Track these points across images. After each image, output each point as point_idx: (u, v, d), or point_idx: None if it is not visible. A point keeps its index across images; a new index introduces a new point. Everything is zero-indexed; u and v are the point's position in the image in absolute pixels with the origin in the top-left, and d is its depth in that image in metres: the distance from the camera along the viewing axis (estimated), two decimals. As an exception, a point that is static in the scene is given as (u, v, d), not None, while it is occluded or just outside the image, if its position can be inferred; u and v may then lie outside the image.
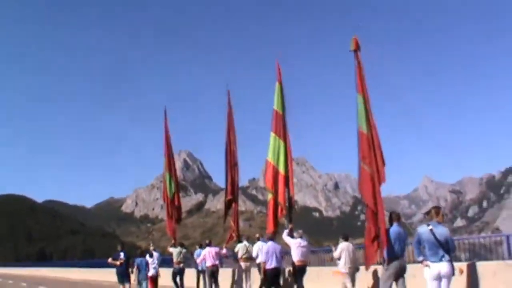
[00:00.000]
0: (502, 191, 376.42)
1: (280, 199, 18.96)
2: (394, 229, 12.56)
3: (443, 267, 10.26)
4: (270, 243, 17.26)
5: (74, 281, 46.15)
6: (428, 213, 11.08)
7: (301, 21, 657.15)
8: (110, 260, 23.23)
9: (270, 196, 19.58)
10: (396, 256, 12.32)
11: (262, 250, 17.40)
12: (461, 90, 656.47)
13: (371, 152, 13.41)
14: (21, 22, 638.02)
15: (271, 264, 16.65)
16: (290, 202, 19.42)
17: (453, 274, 10.44)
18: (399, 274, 12.42)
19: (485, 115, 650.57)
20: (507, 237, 15.60)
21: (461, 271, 13.27)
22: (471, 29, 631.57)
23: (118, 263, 22.11)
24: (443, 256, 10.29)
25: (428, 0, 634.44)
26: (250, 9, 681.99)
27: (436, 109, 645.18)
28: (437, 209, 10.96)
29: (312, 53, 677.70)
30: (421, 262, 10.70)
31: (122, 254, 22.55)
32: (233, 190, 23.91)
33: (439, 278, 10.31)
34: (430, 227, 10.51)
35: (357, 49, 14.26)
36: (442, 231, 10.46)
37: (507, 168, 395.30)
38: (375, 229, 12.92)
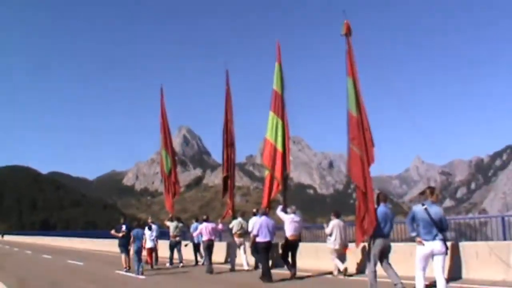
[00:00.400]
0: (490, 174, 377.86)
1: (277, 174, 19.40)
2: (381, 209, 12.76)
3: (436, 245, 10.35)
4: (263, 217, 17.65)
5: (76, 250, 46.65)
6: (423, 193, 11.10)
7: (300, 2, 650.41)
8: (113, 231, 23.94)
9: (267, 173, 20.04)
10: (382, 235, 12.54)
11: (256, 224, 17.68)
12: (454, 75, 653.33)
13: (360, 134, 13.65)
14: None
15: (263, 238, 17.06)
16: (286, 179, 19.93)
17: (446, 253, 10.52)
18: (384, 253, 12.67)
19: (477, 100, 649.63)
20: (503, 218, 16.19)
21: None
22: (462, 15, 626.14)
23: (120, 235, 22.84)
24: (436, 235, 10.38)
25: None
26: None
27: (430, 93, 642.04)
28: (431, 189, 11.01)
29: (311, 33, 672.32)
30: (415, 238, 10.80)
31: (124, 227, 23.17)
32: (229, 168, 24.48)
33: (430, 256, 10.45)
34: (425, 206, 10.59)
35: (348, 33, 14.53)
36: (436, 211, 10.56)
37: (495, 152, 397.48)
38: (365, 208, 13.33)
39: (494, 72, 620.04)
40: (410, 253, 13.15)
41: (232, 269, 21.30)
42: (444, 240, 10.59)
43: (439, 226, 10.47)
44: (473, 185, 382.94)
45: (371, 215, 12.99)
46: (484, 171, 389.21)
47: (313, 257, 19.25)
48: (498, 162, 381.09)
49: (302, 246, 18.59)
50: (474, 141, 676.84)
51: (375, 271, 12.38)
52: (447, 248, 10.57)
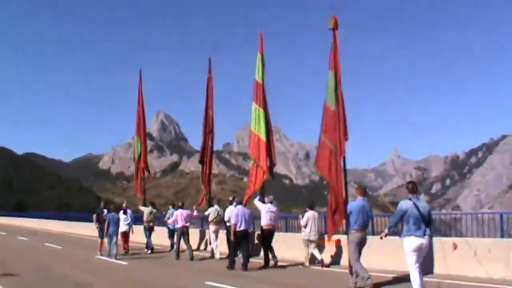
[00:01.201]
0: (465, 171, 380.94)
1: (262, 164, 19.34)
2: (359, 202, 12.84)
3: (425, 240, 10.32)
4: (239, 206, 17.76)
5: (52, 232, 46.23)
6: (406, 187, 10.96)
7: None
8: (94, 216, 23.93)
9: (251, 163, 20.02)
10: (359, 229, 12.64)
11: (233, 213, 17.82)
12: (434, 71, 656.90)
13: (335, 127, 13.78)
14: None
15: (240, 227, 17.11)
16: (271, 169, 19.99)
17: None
18: (360, 246, 12.78)
19: (454, 97, 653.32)
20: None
21: (455, 246, 14.05)
22: (448, 13, 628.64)
23: (106, 224, 22.50)
24: (425, 230, 10.33)
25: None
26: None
27: (409, 89, 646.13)
28: (414, 184, 10.96)
29: (292, 24, 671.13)
30: (387, 234, 10.93)
31: (106, 211, 23.13)
32: (205, 155, 24.55)
33: (419, 250, 10.34)
34: (413, 201, 10.51)
35: (335, 27, 14.58)
36: (424, 205, 10.55)
37: (471, 149, 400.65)
38: (335, 200, 13.41)
39: (472, 70, 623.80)
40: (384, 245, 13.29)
41: (212, 256, 21.42)
42: (431, 236, 10.70)
43: (427, 221, 10.43)
44: (448, 181, 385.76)
45: (341, 207, 13.09)
46: (460, 168, 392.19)
47: (287, 247, 19.27)
48: (473, 160, 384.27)
49: (277, 235, 18.62)
50: (451, 138, 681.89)
51: (360, 263, 12.51)
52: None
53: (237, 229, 17.18)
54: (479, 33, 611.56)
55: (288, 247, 19.21)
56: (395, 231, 11.30)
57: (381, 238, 11.35)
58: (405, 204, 10.58)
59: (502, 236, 14.58)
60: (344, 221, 13.03)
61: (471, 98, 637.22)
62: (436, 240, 14.19)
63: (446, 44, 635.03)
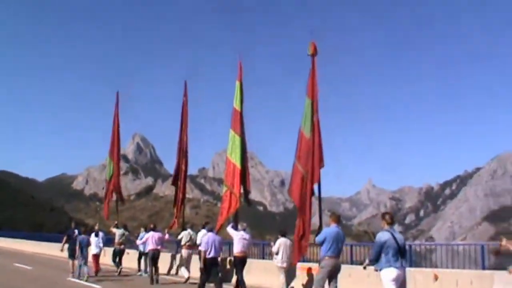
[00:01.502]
0: (439, 202, 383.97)
1: (236, 191, 19.32)
2: (333, 229, 12.82)
3: (403, 272, 10.32)
4: (210, 233, 17.63)
5: (22, 252, 45.36)
6: (382, 218, 10.96)
7: (264, 23, 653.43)
8: (65, 238, 23.60)
9: (225, 189, 19.95)
10: (332, 256, 12.61)
11: (204, 240, 17.62)
12: (409, 103, 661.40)
13: (309, 154, 13.80)
14: None
15: (210, 254, 16.94)
16: (246, 196, 19.92)
17: None
18: (333, 274, 12.75)
19: (429, 130, 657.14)
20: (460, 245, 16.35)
21: (436, 277, 13.98)
22: (425, 42, 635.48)
23: (77, 246, 22.07)
24: (402, 262, 10.34)
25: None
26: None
27: (387, 119, 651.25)
28: (391, 215, 10.98)
29: (271, 52, 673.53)
30: (377, 267, 10.59)
31: (76, 232, 22.83)
32: (178, 178, 24.46)
33: (398, 281, 10.22)
34: (391, 232, 10.51)
35: (314, 53, 14.60)
36: (400, 237, 10.55)
37: (445, 181, 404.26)
38: (303, 226, 13.35)
39: (446, 103, 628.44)
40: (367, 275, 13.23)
41: (187, 280, 21.12)
42: (405, 267, 10.62)
43: (403, 253, 10.43)
44: (422, 212, 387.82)
45: (307, 234, 13.03)
46: (433, 199, 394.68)
47: (260, 274, 19.22)
48: (447, 191, 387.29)
49: (249, 262, 18.51)
50: (426, 169, 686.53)
51: None
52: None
53: (207, 256, 17.00)
54: (453, 65, 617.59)
55: (264, 273, 19.10)
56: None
57: (364, 268, 11.32)
58: (383, 235, 10.51)
59: (484, 268, 14.62)
60: (321, 248, 12.88)
61: (446, 131, 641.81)
62: (418, 271, 14.18)
63: (423, 74, 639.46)
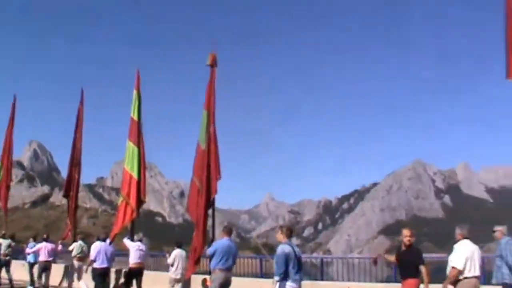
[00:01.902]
0: (337, 216, 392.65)
1: (132, 202, 18.98)
2: (224, 242, 12.80)
3: (299, 285, 10.41)
4: (101, 243, 17.50)
5: None
6: (280, 231, 11.05)
7: (161, 31, 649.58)
8: None
9: (121, 200, 19.58)
10: (223, 269, 12.58)
11: (95, 249, 17.44)
12: (308, 116, 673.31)
13: (204, 167, 13.75)
14: None
15: (100, 264, 16.73)
16: (139, 207, 19.55)
17: None
18: (224, 287, 12.72)
19: (328, 144, 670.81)
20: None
21: None
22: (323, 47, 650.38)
23: None
24: (300, 274, 10.45)
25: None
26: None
27: (287, 133, 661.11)
28: (290, 229, 11.15)
29: (171, 58, 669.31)
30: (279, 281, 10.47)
31: None
32: (70, 188, 23.91)
33: None
34: (291, 245, 10.61)
35: (213, 64, 14.48)
36: (298, 250, 10.71)
37: (343, 195, 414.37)
38: (198, 239, 13.23)
39: (345, 120, 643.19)
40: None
41: None
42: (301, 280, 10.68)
43: (300, 266, 10.54)
44: (320, 226, 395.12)
45: (200, 247, 12.94)
46: (332, 213, 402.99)
47: (155, 285, 19.00)
48: (345, 205, 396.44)
49: (146, 274, 18.28)
50: (324, 184, 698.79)
51: None
52: None
53: (97, 266, 16.79)
54: (353, 80, 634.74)
55: (160, 285, 18.75)
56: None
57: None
58: (286, 248, 10.53)
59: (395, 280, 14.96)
60: (212, 261, 12.74)
61: (344, 146, 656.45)
62: (314, 284, 14.16)
63: (326, 87, 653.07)
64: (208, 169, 13.78)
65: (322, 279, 17.74)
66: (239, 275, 14.18)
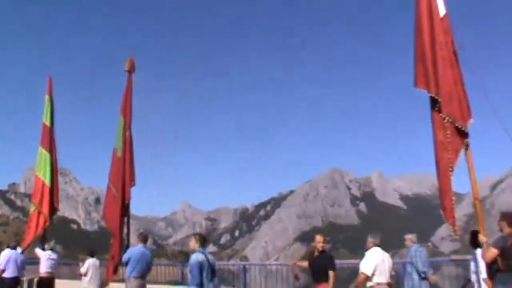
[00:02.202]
0: (253, 223, 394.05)
1: (44, 210, 18.50)
2: (139, 249, 12.75)
3: None
4: (12, 251, 17.07)
5: None
6: (194, 239, 10.80)
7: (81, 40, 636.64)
8: None
9: (33, 209, 19.04)
10: (137, 277, 12.49)
11: (4, 258, 16.87)
12: (228, 124, 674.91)
13: (120, 172, 13.63)
14: None
15: (10, 273, 16.32)
16: (52, 215, 19.13)
17: None
18: None
19: (238, 152, 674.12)
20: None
21: None
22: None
23: None
24: (214, 282, 10.35)
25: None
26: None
27: (203, 142, 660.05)
28: (202, 236, 11.02)
29: (91, 66, 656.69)
30: None
31: None
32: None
33: None
34: (205, 254, 10.53)
35: (131, 70, 14.35)
36: (212, 258, 10.68)
37: (260, 202, 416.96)
38: (115, 247, 13.10)
39: (262, 125, 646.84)
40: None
41: None
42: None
43: (214, 274, 10.46)
44: (237, 233, 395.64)
45: (116, 254, 12.84)
46: (249, 220, 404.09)
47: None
48: (262, 212, 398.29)
49: (59, 283, 18.14)
50: (241, 191, 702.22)
51: None
52: None
53: (7, 276, 16.32)
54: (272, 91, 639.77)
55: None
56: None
57: None
58: (199, 256, 10.45)
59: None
60: (127, 268, 12.63)
61: (262, 154, 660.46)
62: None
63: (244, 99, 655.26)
64: (123, 175, 13.67)
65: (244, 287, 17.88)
66: (157, 283, 14.05)
